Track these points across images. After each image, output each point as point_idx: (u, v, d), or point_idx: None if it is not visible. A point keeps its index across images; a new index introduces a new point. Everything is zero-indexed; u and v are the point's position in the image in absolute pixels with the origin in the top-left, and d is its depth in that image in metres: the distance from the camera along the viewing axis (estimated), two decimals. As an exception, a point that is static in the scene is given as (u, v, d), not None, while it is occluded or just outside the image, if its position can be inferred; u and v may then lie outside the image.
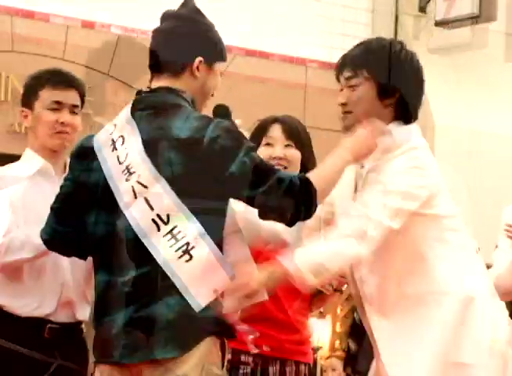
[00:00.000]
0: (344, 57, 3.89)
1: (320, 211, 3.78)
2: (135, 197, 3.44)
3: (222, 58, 3.68)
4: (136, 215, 3.44)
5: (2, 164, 4.48)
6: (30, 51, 8.49)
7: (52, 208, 3.68)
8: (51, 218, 3.68)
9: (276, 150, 4.22)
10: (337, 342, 9.51)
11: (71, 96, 4.42)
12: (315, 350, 8.15)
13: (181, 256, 3.38)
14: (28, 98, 4.44)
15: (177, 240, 3.39)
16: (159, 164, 3.44)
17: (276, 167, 3.53)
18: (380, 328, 3.85)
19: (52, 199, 3.73)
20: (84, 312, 4.24)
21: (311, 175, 3.48)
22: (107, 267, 3.51)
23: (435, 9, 10.24)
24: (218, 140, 3.40)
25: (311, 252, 3.67)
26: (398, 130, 3.80)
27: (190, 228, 3.39)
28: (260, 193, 3.39)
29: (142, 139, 3.48)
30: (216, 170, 3.40)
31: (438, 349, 3.77)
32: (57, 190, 3.71)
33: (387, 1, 10.34)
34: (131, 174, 3.47)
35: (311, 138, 4.34)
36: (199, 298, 3.37)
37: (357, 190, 3.85)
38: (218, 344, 3.44)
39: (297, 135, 4.26)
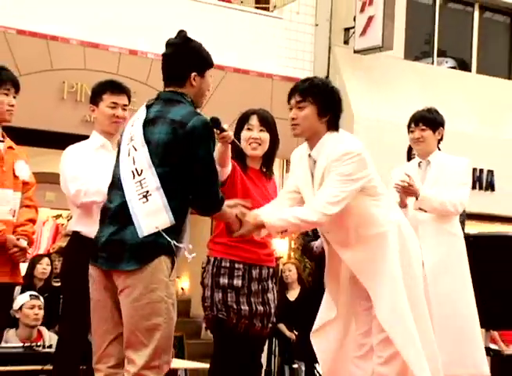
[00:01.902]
0: (295, 87, 3.81)
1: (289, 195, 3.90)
2: (129, 155, 3.39)
3: (210, 65, 3.54)
4: (125, 166, 3.39)
5: (78, 141, 4.47)
6: (96, 69, 8.42)
7: None
8: None
9: (254, 133, 4.14)
10: (292, 254, 9.58)
11: (123, 99, 4.40)
12: (278, 259, 8.18)
13: (140, 198, 3.29)
14: (94, 99, 4.41)
15: (142, 187, 3.30)
16: (153, 132, 3.37)
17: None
18: (348, 257, 3.86)
19: (109, 164, 3.70)
20: None
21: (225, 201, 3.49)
22: (109, 197, 3.46)
23: (354, 42, 10.19)
24: (196, 129, 3.31)
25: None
26: (332, 137, 3.77)
27: (152, 181, 3.30)
28: (201, 178, 3.34)
29: (148, 116, 3.41)
30: (185, 149, 3.30)
31: (390, 259, 3.80)
32: (113, 158, 3.68)
33: (324, 38, 10.33)
34: (132, 140, 3.41)
35: (276, 124, 4.30)
36: (144, 229, 3.26)
37: (314, 179, 3.81)
38: (167, 260, 3.30)
39: (268, 123, 4.18)
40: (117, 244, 3.28)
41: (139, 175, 3.32)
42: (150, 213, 3.27)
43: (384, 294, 3.76)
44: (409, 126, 4.95)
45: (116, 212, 3.34)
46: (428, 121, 4.90)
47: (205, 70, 3.53)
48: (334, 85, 3.88)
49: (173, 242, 3.30)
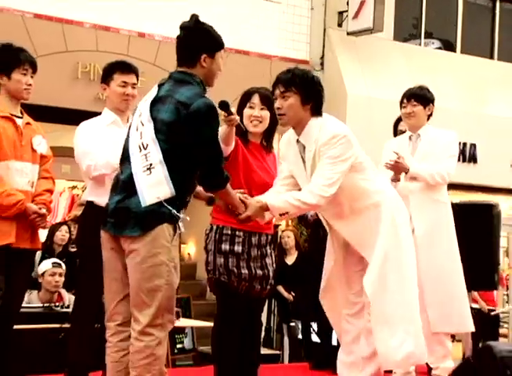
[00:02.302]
0: (278, 79, 3.78)
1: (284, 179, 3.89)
2: (137, 130, 3.38)
3: (220, 48, 3.50)
4: (133, 140, 3.38)
5: (91, 118, 4.43)
6: (107, 50, 8.40)
7: None
8: None
9: (255, 111, 4.09)
10: (290, 222, 9.59)
11: (132, 78, 4.36)
12: (276, 226, 8.20)
13: (145, 170, 3.28)
14: (106, 78, 4.37)
15: (147, 160, 3.29)
16: (159, 109, 3.34)
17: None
18: (344, 230, 3.89)
19: (120, 139, 3.67)
20: None
21: (227, 188, 3.47)
22: (121, 169, 3.46)
23: (347, 25, 10.14)
24: (199, 111, 3.29)
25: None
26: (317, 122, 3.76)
27: (156, 156, 3.28)
28: (206, 157, 3.34)
29: (158, 94, 3.38)
30: (189, 129, 3.28)
31: (383, 227, 3.81)
32: (123, 133, 3.66)
33: (319, 21, 10.27)
34: (140, 116, 3.40)
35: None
36: (147, 199, 3.26)
37: (305, 163, 3.80)
38: (169, 227, 3.30)
39: (269, 102, 4.09)
40: (123, 212, 3.30)
41: (145, 149, 3.31)
42: (153, 184, 3.27)
43: (372, 267, 3.79)
44: (401, 102, 4.98)
45: (124, 183, 3.35)
46: (419, 97, 4.91)
47: (215, 51, 3.48)
48: (314, 75, 3.86)
49: (173, 211, 3.29)
